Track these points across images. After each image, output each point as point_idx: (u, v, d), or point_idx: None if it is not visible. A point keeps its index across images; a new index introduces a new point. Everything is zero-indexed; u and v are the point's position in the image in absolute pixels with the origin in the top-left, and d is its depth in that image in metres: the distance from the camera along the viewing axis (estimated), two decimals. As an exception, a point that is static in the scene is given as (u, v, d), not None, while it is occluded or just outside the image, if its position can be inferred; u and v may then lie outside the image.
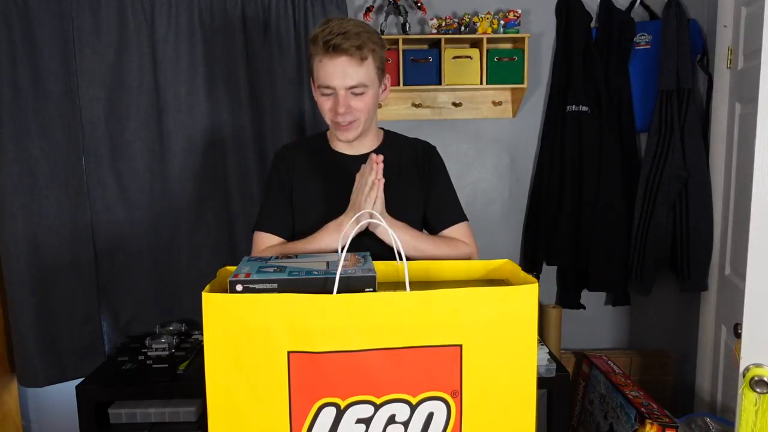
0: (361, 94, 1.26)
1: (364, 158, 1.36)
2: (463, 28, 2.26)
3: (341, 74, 1.22)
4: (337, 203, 1.27)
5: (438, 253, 1.27)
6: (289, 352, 0.85)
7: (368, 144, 1.39)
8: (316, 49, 1.23)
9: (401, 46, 2.22)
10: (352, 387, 0.87)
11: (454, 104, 2.42)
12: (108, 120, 2.14)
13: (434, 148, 1.45)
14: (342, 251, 0.93)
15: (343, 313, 0.85)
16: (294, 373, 0.86)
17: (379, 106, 2.36)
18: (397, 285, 1.00)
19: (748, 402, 1.16)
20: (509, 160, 2.49)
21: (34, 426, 2.40)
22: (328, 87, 1.24)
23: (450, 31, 2.24)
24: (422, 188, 1.39)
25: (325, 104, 1.28)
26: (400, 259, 0.95)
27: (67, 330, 2.17)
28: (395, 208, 1.25)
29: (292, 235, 1.37)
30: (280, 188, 1.38)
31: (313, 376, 0.86)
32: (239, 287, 0.89)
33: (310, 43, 1.25)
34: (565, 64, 2.32)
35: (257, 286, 0.89)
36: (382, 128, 1.45)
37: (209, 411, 0.88)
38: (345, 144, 1.37)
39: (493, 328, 0.88)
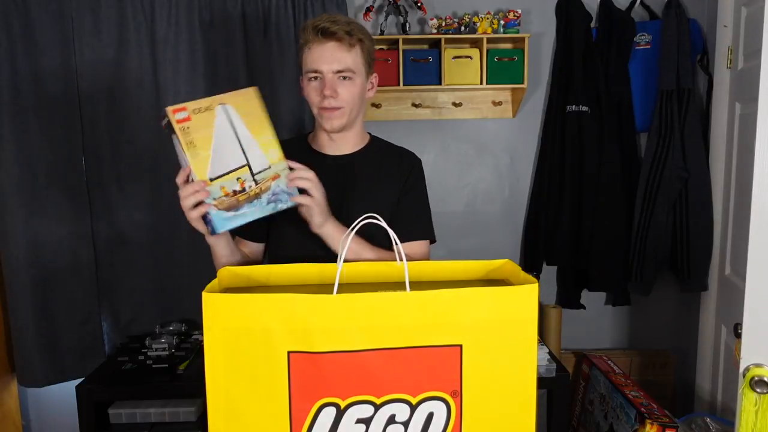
0: (349, 79, 1.26)
1: (346, 158, 1.36)
2: (463, 28, 2.26)
3: (329, 58, 1.23)
4: None
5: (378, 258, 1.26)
6: (289, 352, 0.85)
7: (351, 144, 1.37)
8: (306, 37, 1.25)
9: (401, 46, 2.22)
10: (352, 387, 0.87)
11: (454, 104, 2.42)
12: (108, 120, 2.14)
13: (419, 160, 1.41)
14: (341, 254, 0.94)
15: (343, 313, 0.85)
16: (294, 373, 0.86)
17: (377, 106, 2.38)
18: (397, 285, 0.99)
19: (748, 402, 1.16)
20: (509, 160, 2.49)
21: (34, 426, 2.40)
22: (315, 71, 1.25)
23: (450, 31, 2.24)
24: (398, 198, 1.36)
25: (312, 90, 1.27)
26: (400, 259, 0.95)
27: (67, 330, 2.17)
28: (367, 213, 1.23)
29: (266, 237, 1.37)
30: None
31: (313, 376, 0.86)
32: None
33: (301, 32, 1.27)
34: (565, 64, 2.32)
35: None
36: (369, 133, 1.43)
37: (209, 411, 0.88)
38: (327, 143, 1.36)
39: (493, 328, 0.88)
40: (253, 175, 1.11)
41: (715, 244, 2.18)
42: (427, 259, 1.39)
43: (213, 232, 1.11)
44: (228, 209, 1.10)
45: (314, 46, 1.24)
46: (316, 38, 1.23)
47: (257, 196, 1.11)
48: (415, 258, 1.35)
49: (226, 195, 1.09)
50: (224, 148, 1.09)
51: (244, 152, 1.11)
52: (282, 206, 1.14)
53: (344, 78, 1.25)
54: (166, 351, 2.05)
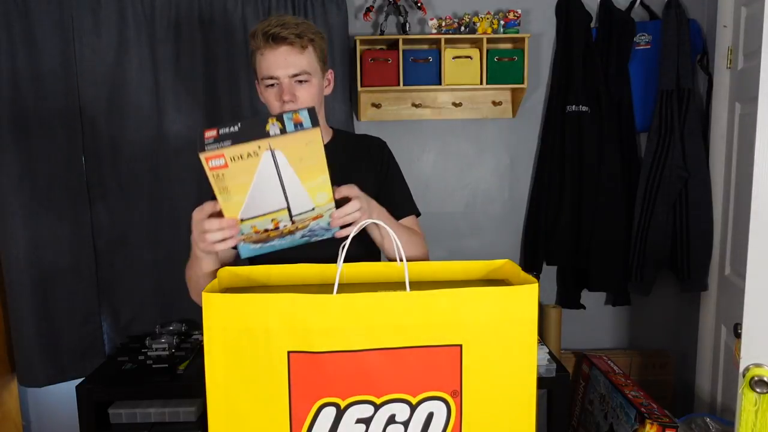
0: (306, 82, 1.26)
1: None
2: (463, 28, 2.26)
3: (283, 63, 1.23)
4: None
5: (406, 239, 1.25)
6: (289, 352, 0.85)
7: None
8: (256, 43, 1.24)
9: (401, 46, 2.21)
10: (352, 387, 0.87)
11: (454, 104, 2.42)
12: (108, 120, 2.15)
13: (385, 143, 1.45)
14: (342, 253, 0.94)
15: (343, 313, 0.85)
16: (294, 373, 0.86)
17: (377, 106, 2.38)
18: (397, 285, 0.99)
19: (748, 402, 1.16)
20: (509, 160, 2.49)
21: (34, 426, 2.40)
22: (271, 78, 1.24)
23: (450, 31, 2.24)
24: (375, 183, 1.38)
25: (270, 96, 1.26)
26: (401, 260, 0.95)
27: (67, 330, 2.17)
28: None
29: None
30: None
31: (313, 376, 0.86)
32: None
33: (251, 38, 1.26)
34: (565, 64, 2.32)
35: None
36: (332, 127, 1.44)
37: (209, 411, 0.88)
38: None
39: (493, 328, 0.88)
40: (291, 216, 1.01)
41: (715, 244, 2.18)
42: (420, 231, 1.41)
43: (238, 256, 1.06)
44: (255, 243, 1.04)
45: (266, 52, 1.23)
46: (267, 44, 1.22)
47: (291, 233, 1.03)
48: (417, 230, 1.39)
49: (256, 232, 1.01)
50: (264, 193, 0.96)
51: (286, 198, 0.98)
52: (317, 238, 1.06)
53: (301, 81, 1.25)
54: (166, 351, 2.05)
